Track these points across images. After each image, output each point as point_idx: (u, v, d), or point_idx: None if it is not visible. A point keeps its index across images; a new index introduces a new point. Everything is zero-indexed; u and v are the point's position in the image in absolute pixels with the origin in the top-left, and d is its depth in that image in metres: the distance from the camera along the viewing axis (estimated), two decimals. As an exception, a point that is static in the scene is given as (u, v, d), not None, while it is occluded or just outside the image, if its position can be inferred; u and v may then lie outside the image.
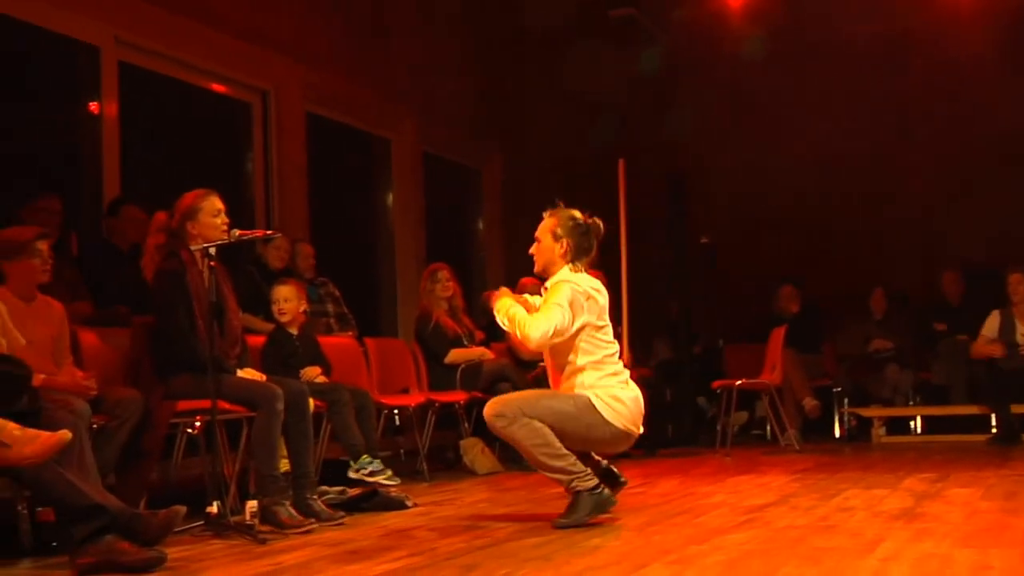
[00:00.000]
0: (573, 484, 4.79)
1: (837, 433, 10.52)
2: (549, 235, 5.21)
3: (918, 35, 11.74)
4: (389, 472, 6.08)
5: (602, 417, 5.00)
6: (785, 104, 12.32)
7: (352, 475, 5.96)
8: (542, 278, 5.37)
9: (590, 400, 5.03)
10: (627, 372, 5.34)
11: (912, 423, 10.50)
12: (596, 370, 5.18)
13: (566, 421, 4.95)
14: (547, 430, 4.84)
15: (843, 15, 11.67)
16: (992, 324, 9.36)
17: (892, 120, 12.08)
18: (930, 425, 10.38)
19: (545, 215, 5.28)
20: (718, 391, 9.89)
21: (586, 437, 5.04)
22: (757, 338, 10.34)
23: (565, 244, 5.17)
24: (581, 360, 5.17)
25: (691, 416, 10.77)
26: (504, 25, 11.79)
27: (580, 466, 4.88)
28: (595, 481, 4.86)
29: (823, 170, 12.00)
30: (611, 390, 5.11)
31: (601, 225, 5.32)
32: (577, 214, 5.25)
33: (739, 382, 9.44)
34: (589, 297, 5.15)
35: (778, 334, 9.61)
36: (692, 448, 9.83)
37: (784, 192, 12.00)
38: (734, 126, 12.30)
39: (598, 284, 5.31)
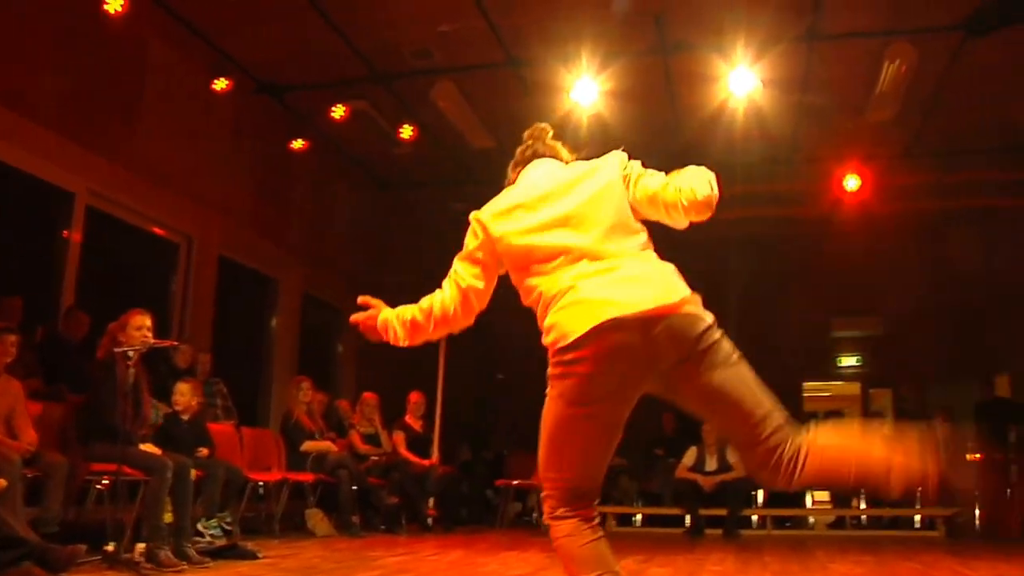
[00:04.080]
0: None
1: (583, 523, 10.71)
2: None
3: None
4: (222, 535, 5.97)
5: None
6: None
7: (200, 528, 5.89)
8: None
9: None
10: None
11: (635, 518, 10.77)
12: None
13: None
14: None
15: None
16: (690, 456, 9.81)
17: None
18: (648, 520, 10.66)
19: None
20: (501, 487, 10.04)
21: None
22: (532, 448, 10.52)
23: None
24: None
25: (481, 504, 10.88)
26: (380, 203, 12.02)
27: None
28: None
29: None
30: None
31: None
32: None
33: (516, 481, 9.60)
34: None
35: (546, 448, 9.83)
36: (480, 527, 9.90)
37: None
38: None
39: None
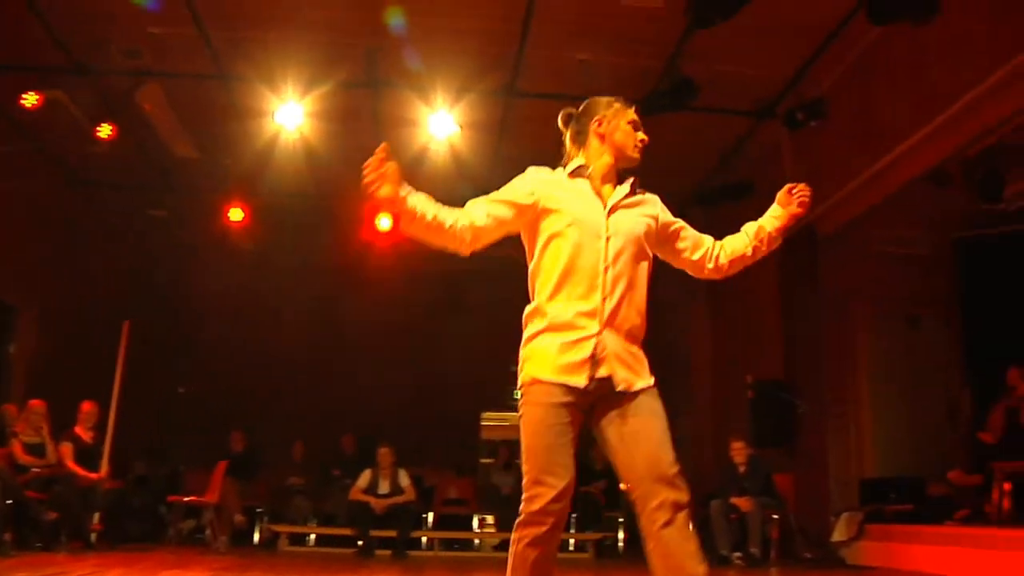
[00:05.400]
0: None
1: (256, 541, 10.61)
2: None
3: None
4: None
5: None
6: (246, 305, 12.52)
7: None
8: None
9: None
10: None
11: (308, 537, 10.78)
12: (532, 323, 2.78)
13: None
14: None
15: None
16: (364, 478, 10.01)
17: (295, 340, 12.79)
18: (321, 540, 10.66)
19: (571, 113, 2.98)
20: (173, 503, 9.76)
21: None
22: (210, 465, 10.30)
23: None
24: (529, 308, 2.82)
25: (154, 520, 10.47)
26: (69, 200, 11.34)
27: None
28: None
29: (269, 355, 12.32)
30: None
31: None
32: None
33: (188, 498, 9.39)
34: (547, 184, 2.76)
35: (222, 465, 9.73)
36: (149, 545, 9.51)
37: (245, 366, 12.14)
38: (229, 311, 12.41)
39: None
